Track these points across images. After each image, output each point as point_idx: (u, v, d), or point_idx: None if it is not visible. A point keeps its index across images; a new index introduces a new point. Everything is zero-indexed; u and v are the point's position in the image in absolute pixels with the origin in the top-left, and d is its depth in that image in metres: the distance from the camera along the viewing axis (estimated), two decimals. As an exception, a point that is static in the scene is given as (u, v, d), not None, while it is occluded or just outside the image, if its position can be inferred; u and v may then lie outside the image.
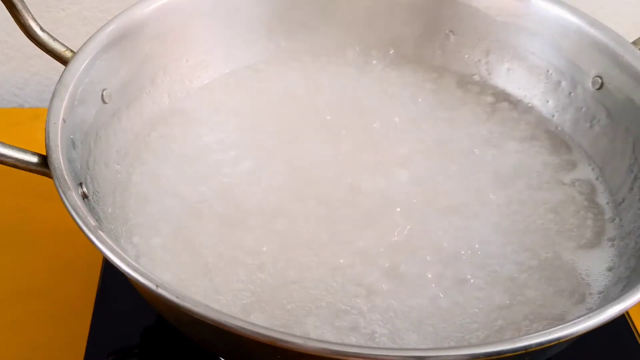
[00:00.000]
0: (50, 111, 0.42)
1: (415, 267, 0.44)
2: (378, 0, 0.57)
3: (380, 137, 0.52)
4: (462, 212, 0.47)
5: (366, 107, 0.54)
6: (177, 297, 0.33)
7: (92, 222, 0.36)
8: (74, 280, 0.53)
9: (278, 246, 0.44)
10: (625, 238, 0.46)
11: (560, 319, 0.42)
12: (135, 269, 0.34)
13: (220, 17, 0.55)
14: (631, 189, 0.48)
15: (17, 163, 0.40)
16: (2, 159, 0.40)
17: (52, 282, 0.53)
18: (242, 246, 0.44)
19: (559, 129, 0.54)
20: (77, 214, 0.36)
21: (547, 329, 0.33)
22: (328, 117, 0.53)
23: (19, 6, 0.44)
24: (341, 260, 0.44)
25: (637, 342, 0.50)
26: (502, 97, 0.56)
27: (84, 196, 0.41)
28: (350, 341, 0.40)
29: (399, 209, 0.47)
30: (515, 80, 0.56)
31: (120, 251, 0.35)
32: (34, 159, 0.40)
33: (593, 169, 0.51)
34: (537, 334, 0.33)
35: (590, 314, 0.34)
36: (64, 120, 0.42)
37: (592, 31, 0.51)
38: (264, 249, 0.44)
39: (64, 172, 0.39)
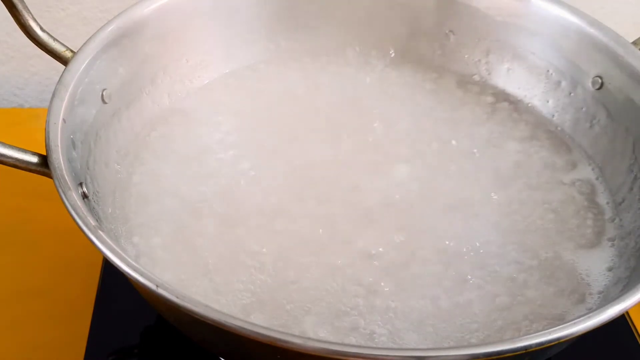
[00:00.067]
0: (50, 111, 0.42)
1: (415, 267, 0.44)
2: (378, 0, 0.57)
3: (380, 137, 0.52)
4: (462, 212, 0.47)
5: (366, 107, 0.54)
6: (177, 297, 0.33)
7: (92, 222, 0.36)
8: (74, 280, 0.53)
9: (278, 246, 0.44)
10: (625, 238, 0.46)
11: (560, 319, 0.42)
12: (135, 269, 0.34)
13: (220, 17, 0.55)
14: (631, 189, 0.48)
15: (17, 163, 0.40)
16: (2, 159, 0.40)
17: (52, 282, 0.53)
18: (242, 246, 0.44)
19: (559, 129, 0.54)
20: (77, 214, 0.36)
21: (547, 329, 0.33)
22: (328, 117, 0.53)
23: (19, 6, 0.44)
24: (341, 261, 0.44)
25: (637, 342, 0.50)
26: (502, 97, 0.56)
27: (84, 196, 0.41)
28: (350, 341, 0.40)
29: (398, 209, 0.47)
30: (515, 80, 0.56)
31: (120, 251, 0.35)
32: (34, 159, 0.40)
33: (593, 169, 0.51)
34: (537, 334, 0.33)
35: (590, 314, 0.34)
36: (64, 120, 0.42)
37: (592, 31, 0.51)
38: (264, 249, 0.44)
39: (64, 172, 0.39)
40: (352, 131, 0.52)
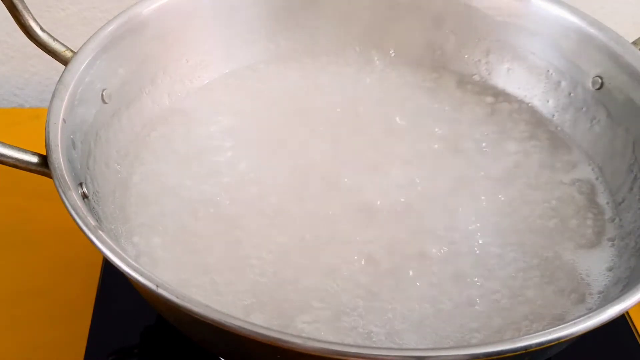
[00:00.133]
0: (50, 111, 0.42)
1: (415, 268, 0.44)
2: (378, 0, 0.57)
3: (380, 137, 0.52)
4: (462, 212, 0.47)
5: (366, 107, 0.54)
6: (177, 297, 0.33)
7: (92, 222, 0.36)
8: (74, 280, 0.53)
9: (278, 246, 0.44)
10: (625, 238, 0.46)
11: (560, 319, 0.42)
12: (135, 269, 0.34)
13: (220, 17, 0.55)
14: (631, 189, 0.48)
15: (17, 163, 0.40)
16: (2, 159, 0.40)
17: (52, 282, 0.53)
18: (242, 246, 0.44)
19: (559, 129, 0.54)
20: (77, 214, 0.36)
21: (547, 329, 0.33)
22: (328, 117, 0.53)
23: (19, 6, 0.44)
24: (341, 261, 0.44)
25: (637, 342, 0.50)
26: (502, 97, 0.56)
27: (84, 196, 0.41)
28: (349, 342, 0.40)
29: (398, 209, 0.47)
30: (515, 80, 0.56)
31: (120, 251, 0.35)
32: (34, 159, 0.40)
33: (593, 169, 0.51)
34: (537, 334, 0.33)
35: (590, 314, 0.34)
36: (64, 120, 0.42)
37: (592, 31, 0.51)
38: (264, 249, 0.44)
39: (64, 172, 0.39)
40: (352, 131, 0.52)
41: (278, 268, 0.43)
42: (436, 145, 0.52)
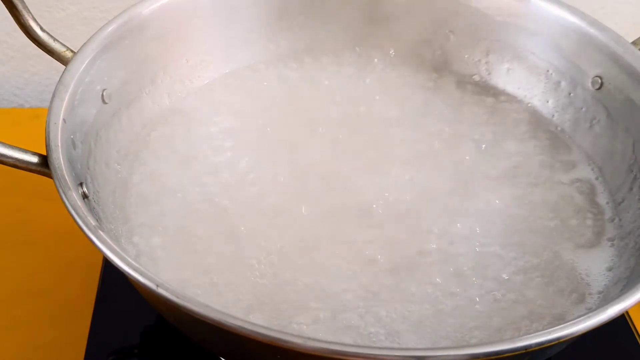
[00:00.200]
0: (51, 111, 0.42)
1: (415, 267, 0.44)
2: (378, 0, 0.57)
3: (380, 137, 0.52)
4: (462, 212, 0.47)
5: (366, 108, 0.54)
6: (177, 297, 0.33)
7: (92, 222, 0.36)
8: (74, 280, 0.53)
9: (278, 246, 0.44)
10: (625, 238, 0.46)
11: (560, 319, 0.42)
12: (135, 269, 0.34)
13: (220, 17, 0.55)
14: (631, 189, 0.48)
15: (17, 163, 0.40)
16: (2, 159, 0.40)
17: (52, 282, 0.53)
18: (242, 246, 0.44)
19: (559, 129, 0.54)
20: (77, 214, 0.36)
21: (547, 329, 0.33)
22: (328, 117, 0.53)
23: (19, 6, 0.44)
24: (340, 261, 0.44)
25: (637, 342, 0.50)
26: (502, 97, 0.56)
27: (84, 196, 0.41)
28: (349, 342, 0.40)
29: (398, 209, 0.47)
30: (515, 80, 0.56)
31: (120, 251, 0.35)
32: (34, 159, 0.40)
33: (593, 169, 0.51)
34: (537, 334, 0.33)
35: (590, 314, 0.34)
36: (64, 120, 0.42)
37: (592, 31, 0.51)
38: (264, 249, 0.44)
39: (64, 172, 0.39)
40: (352, 131, 0.52)
41: (278, 268, 0.43)
42: (436, 146, 0.52)
